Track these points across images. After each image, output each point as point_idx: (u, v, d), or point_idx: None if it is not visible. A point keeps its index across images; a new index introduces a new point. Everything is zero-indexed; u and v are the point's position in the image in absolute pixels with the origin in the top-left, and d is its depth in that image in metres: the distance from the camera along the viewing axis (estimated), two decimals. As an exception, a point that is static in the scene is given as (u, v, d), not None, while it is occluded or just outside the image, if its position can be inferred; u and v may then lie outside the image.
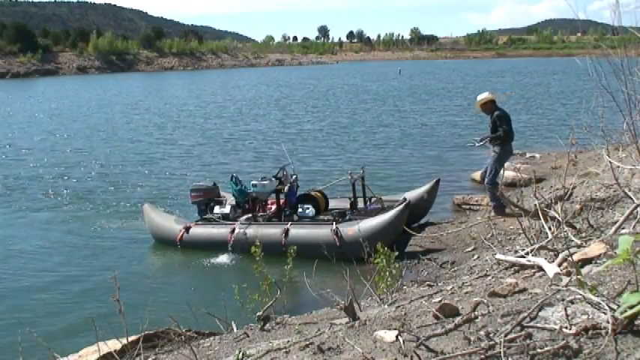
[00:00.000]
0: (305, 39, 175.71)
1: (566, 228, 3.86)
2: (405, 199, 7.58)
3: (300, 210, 7.62)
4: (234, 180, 7.92)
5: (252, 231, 7.16)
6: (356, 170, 7.96)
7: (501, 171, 7.03)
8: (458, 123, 19.36)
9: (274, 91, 39.27)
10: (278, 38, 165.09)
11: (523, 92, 31.47)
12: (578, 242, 3.62)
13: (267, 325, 3.91)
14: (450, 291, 3.71)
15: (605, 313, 1.92)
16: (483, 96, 7.19)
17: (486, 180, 7.09)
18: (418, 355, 2.08)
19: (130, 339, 3.42)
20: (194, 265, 7.17)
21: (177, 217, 8.14)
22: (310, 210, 7.60)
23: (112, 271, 3.43)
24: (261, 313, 3.97)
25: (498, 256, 4.14)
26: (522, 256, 3.71)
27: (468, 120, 20.03)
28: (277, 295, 4.26)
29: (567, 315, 1.98)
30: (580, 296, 2.13)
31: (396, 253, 4.47)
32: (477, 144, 7.33)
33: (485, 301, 2.59)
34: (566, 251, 3.22)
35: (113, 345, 3.68)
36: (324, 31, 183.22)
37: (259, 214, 7.70)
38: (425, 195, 7.89)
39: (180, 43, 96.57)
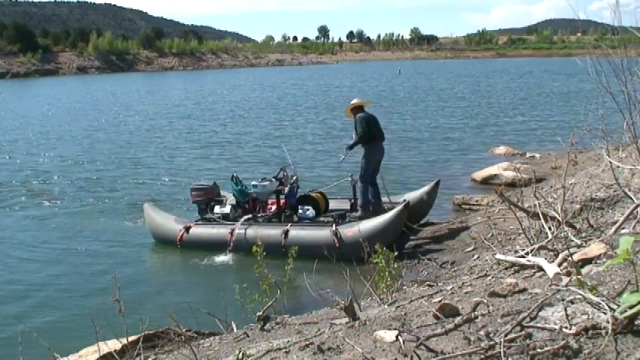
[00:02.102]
0: (305, 39, 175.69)
1: (566, 228, 3.86)
2: (404, 200, 7.58)
3: (300, 211, 7.62)
4: (234, 180, 7.92)
5: (251, 232, 7.16)
6: (357, 172, 7.95)
7: (370, 169, 7.53)
8: (458, 123, 19.36)
9: (274, 91, 39.27)
10: (278, 38, 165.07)
11: (523, 93, 31.50)
12: (578, 242, 3.62)
13: (267, 325, 3.91)
14: (450, 291, 3.71)
15: (605, 313, 1.92)
16: (353, 101, 7.84)
17: (358, 178, 7.63)
18: (418, 355, 2.09)
19: (130, 339, 3.42)
20: (194, 265, 7.17)
21: (177, 217, 8.14)
22: (310, 211, 7.60)
23: (111, 271, 3.43)
24: (261, 313, 3.96)
25: (498, 256, 4.14)
26: (522, 256, 3.72)
27: (467, 120, 20.05)
28: (277, 295, 4.25)
29: (567, 315, 1.98)
30: (580, 296, 2.13)
31: (396, 253, 4.47)
32: (343, 156, 7.88)
33: (485, 301, 2.59)
34: (566, 251, 3.23)
35: (113, 345, 3.68)
36: (324, 31, 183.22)
37: (259, 215, 7.70)
38: (425, 196, 7.90)
39: (180, 43, 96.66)
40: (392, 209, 7.06)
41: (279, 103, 29.78)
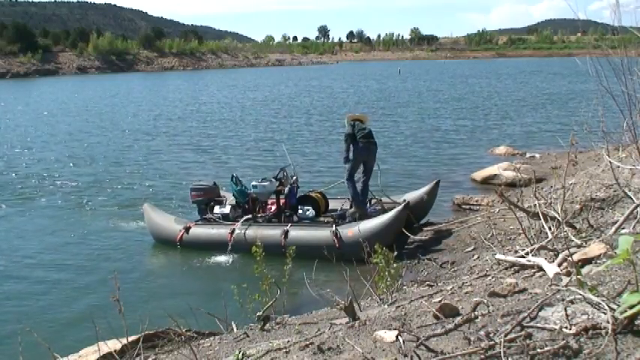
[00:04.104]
0: (305, 39, 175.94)
1: (566, 228, 3.86)
2: (404, 200, 7.58)
3: (300, 211, 7.62)
4: (234, 180, 7.92)
5: (251, 232, 7.16)
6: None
7: (354, 168, 7.62)
8: (458, 124, 19.36)
9: (274, 92, 39.27)
10: (278, 38, 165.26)
11: (522, 93, 31.51)
12: (578, 242, 3.62)
13: (267, 325, 3.91)
14: (450, 291, 3.71)
15: (605, 313, 1.92)
16: (356, 114, 8.18)
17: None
18: (418, 355, 2.08)
19: (130, 339, 3.42)
20: (194, 265, 7.16)
21: (177, 217, 8.14)
22: (310, 211, 7.60)
23: (111, 271, 3.43)
24: (261, 313, 3.97)
25: (498, 256, 4.14)
26: (522, 256, 3.72)
27: (467, 120, 20.05)
28: (277, 295, 4.25)
29: (567, 315, 1.98)
30: (580, 296, 2.13)
31: (395, 253, 4.47)
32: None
33: (485, 301, 2.59)
34: (566, 251, 3.22)
35: (113, 345, 3.68)
36: (324, 31, 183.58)
37: (259, 215, 7.70)
38: (425, 196, 7.90)
39: (180, 43, 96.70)
40: (392, 209, 7.06)
41: (279, 103, 29.78)
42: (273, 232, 7.10)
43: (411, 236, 7.19)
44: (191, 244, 7.49)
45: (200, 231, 7.57)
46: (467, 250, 6.45)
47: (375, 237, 6.14)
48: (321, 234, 6.94)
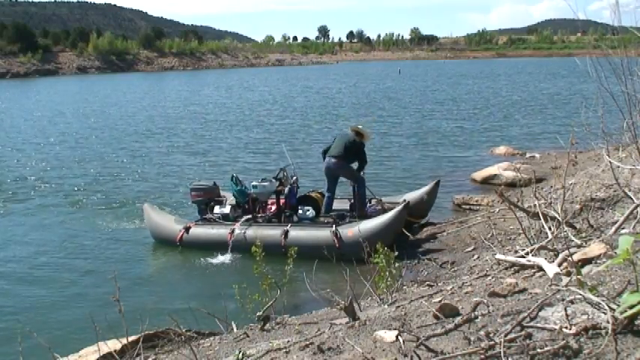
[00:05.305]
0: (305, 39, 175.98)
1: (566, 228, 3.86)
2: (404, 200, 7.58)
3: (300, 211, 7.62)
4: (234, 180, 7.92)
5: (251, 232, 7.16)
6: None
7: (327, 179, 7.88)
8: (458, 124, 19.36)
9: (273, 92, 39.26)
10: (278, 38, 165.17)
11: (522, 93, 31.51)
12: (578, 242, 3.62)
13: (267, 325, 3.91)
14: (450, 291, 3.72)
15: (605, 313, 1.92)
16: (359, 126, 8.24)
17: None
18: (418, 355, 2.08)
19: (130, 339, 3.42)
20: (194, 265, 7.16)
21: (177, 217, 8.14)
22: (310, 211, 7.61)
23: (111, 271, 3.43)
24: (261, 313, 3.97)
25: (498, 256, 4.15)
26: (522, 256, 3.72)
27: (467, 120, 20.05)
28: (277, 295, 4.25)
29: (567, 315, 1.98)
30: (580, 296, 2.13)
31: (396, 253, 4.47)
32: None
33: (485, 301, 2.58)
34: (566, 251, 3.22)
35: (113, 345, 3.68)
36: (324, 31, 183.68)
37: (259, 215, 7.70)
38: (425, 196, 7.91)
39: (180, 43, 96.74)
40: (392, 209, 7.06)
41: (278, 104, 29.77)
42: (273, 232, 7.10)
43: (411, 236, 7.20)
44: (191, 244, 7.49)
45: (200, 231, 7.57)
46: (467, 250, 6.45)
47: (375, 237, 6.14)
48: (321, 234, 6.94)
